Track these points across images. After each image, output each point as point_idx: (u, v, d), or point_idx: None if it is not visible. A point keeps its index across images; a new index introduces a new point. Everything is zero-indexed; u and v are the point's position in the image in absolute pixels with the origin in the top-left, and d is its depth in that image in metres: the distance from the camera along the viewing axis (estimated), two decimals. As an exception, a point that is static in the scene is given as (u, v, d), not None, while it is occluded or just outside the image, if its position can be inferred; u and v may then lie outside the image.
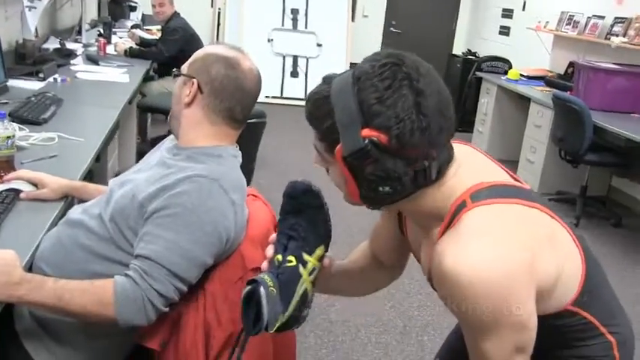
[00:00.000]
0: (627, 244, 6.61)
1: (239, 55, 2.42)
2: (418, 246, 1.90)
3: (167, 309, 2.16)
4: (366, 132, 1.52)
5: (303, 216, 1.91)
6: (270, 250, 1.87)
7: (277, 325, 1.75)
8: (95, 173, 3.57)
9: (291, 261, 1.83)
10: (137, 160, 6.15)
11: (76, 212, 2.44)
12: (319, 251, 1.88)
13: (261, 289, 1.73)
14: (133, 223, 2.22)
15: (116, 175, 4.90)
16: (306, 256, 1.85)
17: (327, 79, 1.66)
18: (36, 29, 5.91)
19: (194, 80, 2.36)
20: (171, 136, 2.53)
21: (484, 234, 1.57)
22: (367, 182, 1.58)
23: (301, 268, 1.83)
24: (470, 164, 1.75)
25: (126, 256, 2.22)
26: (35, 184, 2.69)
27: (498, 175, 1.76)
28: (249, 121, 2.51)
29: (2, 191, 2.59)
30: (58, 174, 2.78)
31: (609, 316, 1.86)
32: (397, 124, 1.51)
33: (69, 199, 2.74)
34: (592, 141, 6.79)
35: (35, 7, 5.21)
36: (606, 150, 7.14)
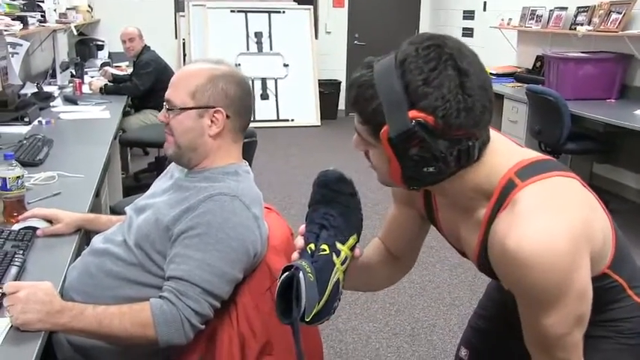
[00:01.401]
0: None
1: (233, 68, 2.46)
2: (455, 230, 1.91)
3: (203, 326, 2.20)
4: (413, 113, 1.53)
5: (334, 205, 1.89)
6: (300, 241, 1.85)
7: (314, 311, 1.73)
8: (94, 208, 3.60)
9: (324, 250, 1.81)
10: (124, 195, 6.21)
11: (98, 241, 2.48)
12: (352, 240, 1.86)
13: (301, 274, 1.71)
14: (161, 247, 2.26)
15: (111, 210, 4.94)
16: (339, 245, 1.82)
17: (368, 64, 1.66)
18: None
19: (218, 109, 2.35)
20: None
21: (542, 211, 1.60)
22: (412, 163, 1.60)
23: (334, 257, 1.81)
24: (504, 143, 1.79)
25: (156, 279, 2.27)
26: (49, 221, 2.73)
27: (528, 152, 1.80)
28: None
29: (20, 230, 2.63)
30: (65, 210, 2.81)
31: (634, 277, 1.91)
32: (443, 104, 1.52)
33: (82, 232, 2.77)
34: (570, 130, 6.87)
35: (17, 53, 5.24)
36: (585, 138, 7.22)
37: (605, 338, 1.92)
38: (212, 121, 2.36)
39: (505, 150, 1.76)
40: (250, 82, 2.40)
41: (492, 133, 1.77)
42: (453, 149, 1.58)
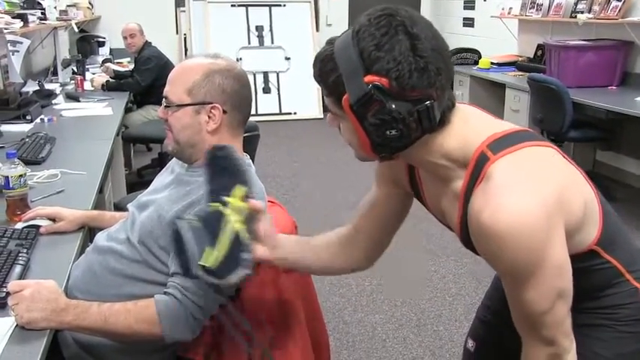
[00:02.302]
0: (621, 215, 6.32)
1: (230, 62, 2.45)
2: (438, 201, 1.93)
3: (209, 322, 2.20)
4: (368, 78, 1.59)
5: (215, 173, 2.02)
6: None
7: (210, 260, 1.83)
8: (98, 205, 3.60)
9: (211, 206, 1.92)
10: (128, 191, 6.21)
11: (102, 239, 2.47)
12: (238, 191, 1.94)
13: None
14: (164, 243, 2.25)
15: (115, 206, 4.94)
16: (225, 198, 1.92)
17: (330, 41, 1.75)
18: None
19: (215, 105, 2.34)
20: None
21: (514, 183, 1.63)
22: (375, 127, 1.64)
23: (222, 208, 1.90)
24: (478, 116, 1.83)
25: (160, 275, 2.27)
26: (52, 219, 2.73)
27: (506, 124, 1.82)
28: (245, 135, 2.55)
29: (23, 228, 2.63)
30: (68, 207, 2.82)
31: (633, 261, 1.92)
32: (396, 66, 1.58)
33: (86, 229, 2.77)
34: (573, 118, 6.87)
35: (18, 51, 5.24)
36: (588, 125, 7.21)
37: (604, 327, 1.93)
38: (209, 117, 2.34)
39: (478, 122, 1.79)
40: (251, 76, 2.40)
41: (466, 106, 1.84)
42: (412, 110, 1.62)
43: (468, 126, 1.75)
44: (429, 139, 1.71)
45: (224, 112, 2.35)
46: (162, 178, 2.56)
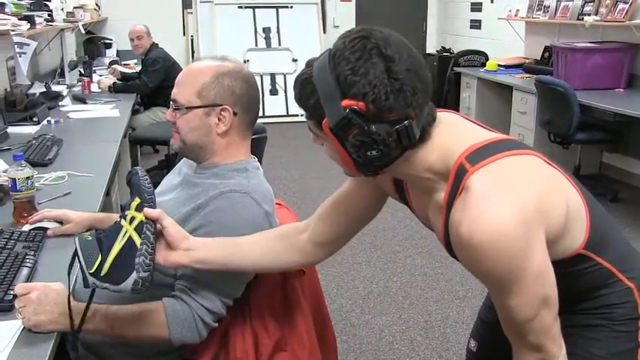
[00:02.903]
0: (627, 217, 6.65)
1: (238, 64, 2.45)
2: (424, 211, 1.94)
3: (217, 324, 2.20)
4: (345, 102, 1.61)
5: (130, 191, 2.09)
6: None
7: (94, 267, 1.90)
8: (105, 207, 3.60)
9: (116, 221, 2.02)
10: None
11: (109, 241, 2.47)
12: (134, 202, 2.00)
13: (76, 239, 1.97)
14: None
15: (121, 208, 4.94)
16: (126, 212, 2.00)
17: (309, 63, 1.76)
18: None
19: (225, 107, 2.34)
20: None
21: (491, 194, 1.63)
22: (355, 149, 1.66)
23: (122, 221, 1.98)
24: (460, 126, 1.84)
25: (167, 278, 2.26)
26: (59, 221, 2.72)
27: (486, 133, 1.82)
28: (253, 137, 2.55)
29: (30, 230, 2.63)
30: (75, 210, 2.80)
31: (624, 261, 1.92)
32: (372, 90, 1.60)
33: (93, 232, 2.77)
34: (580, 120, 6.86)
35: (25, 53, 5.24)
36: (595, 127, 7.19)
37: (599, 327, 1.93)
38: (219, 119, 2.34)
39: (459, 131, 1.80)
40: (258, 78, 2.42)
41: (450, 115, 1.86)
42: (391, 131, 1.64)
43: (449, 137, 1.77)
44: (411, 154, 1.73)
45: (234, 114, 2.35)
46: (171, 179, 2.57)
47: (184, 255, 2.06)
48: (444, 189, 1.75)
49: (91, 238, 1.96)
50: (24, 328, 1.97)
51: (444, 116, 1.81)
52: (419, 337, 4.38)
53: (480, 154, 1.70)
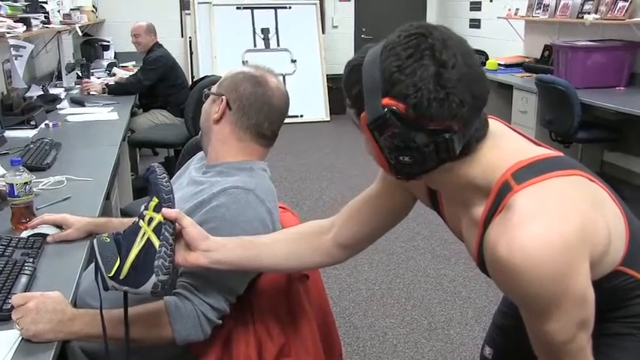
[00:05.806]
0: None
1: (266, 74, 2.48)
2: (458, 223, 1.88)
3: (220, 321, 2.18)
4: (385, 100, 1.53)
5: (148, 190, 2.07)
6: None
7: (113, 270, 1.88)
8: (105, 211, 3.56)
9: (134, 222, 1.99)
10: (135, 197, 6.18)
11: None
12: (152, 203, 1.97)
13: (94, 240, 1.95)
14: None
15: (121, 212, 4.90)
16: (144, 212, 1.98)
17: (366, 49, 1.67)
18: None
19: (223, 97, 2.42)
20: (198, 156, 2.59)
21: (534, 217, 1.55)
22: (388, 151, 1.59)
23: (141, 222, 1.96)
24: (505, 139, 1.76)
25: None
26: (59, 226, 2.69)
27: (533, 149, 1.75)
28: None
29: (29, 237, 2.59)
30: (75, 215, 2.77)
31: None
32: (415, 92, 1.50)
33: (94, 237, 2.73)
34: (581, 119, 6.83)
35: (21, 56, 5.20)
36: (596, 126, 7.19)
37: (628, 335, 1.87)
38: (218, 108, 2.44)
39: (507, 147, 1.72)
40: (285, 100, 2.45)
41: (500, 127, 1.77)
42: (428, 142, 1.55)
43: (495, 152, 1.68)
44: (452, 166, 1.65)
45: (229, 107, 2.42)
46: (181, 179, 2.60)
47: (203, 256, 2.02)
48: (483, 204, 1.68)
49: (109, 240, 1.94)
50: (22, 338, 1.94)
51: (492, 128, 1.73)
52: (422, 339, 4.36)
53: (528, 172, 1.63)
